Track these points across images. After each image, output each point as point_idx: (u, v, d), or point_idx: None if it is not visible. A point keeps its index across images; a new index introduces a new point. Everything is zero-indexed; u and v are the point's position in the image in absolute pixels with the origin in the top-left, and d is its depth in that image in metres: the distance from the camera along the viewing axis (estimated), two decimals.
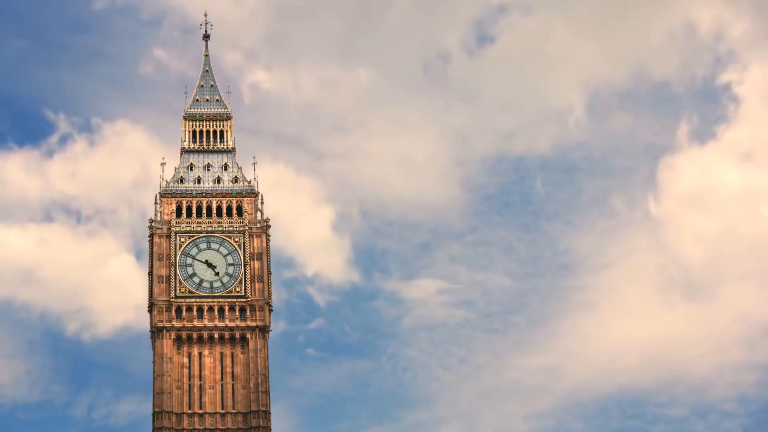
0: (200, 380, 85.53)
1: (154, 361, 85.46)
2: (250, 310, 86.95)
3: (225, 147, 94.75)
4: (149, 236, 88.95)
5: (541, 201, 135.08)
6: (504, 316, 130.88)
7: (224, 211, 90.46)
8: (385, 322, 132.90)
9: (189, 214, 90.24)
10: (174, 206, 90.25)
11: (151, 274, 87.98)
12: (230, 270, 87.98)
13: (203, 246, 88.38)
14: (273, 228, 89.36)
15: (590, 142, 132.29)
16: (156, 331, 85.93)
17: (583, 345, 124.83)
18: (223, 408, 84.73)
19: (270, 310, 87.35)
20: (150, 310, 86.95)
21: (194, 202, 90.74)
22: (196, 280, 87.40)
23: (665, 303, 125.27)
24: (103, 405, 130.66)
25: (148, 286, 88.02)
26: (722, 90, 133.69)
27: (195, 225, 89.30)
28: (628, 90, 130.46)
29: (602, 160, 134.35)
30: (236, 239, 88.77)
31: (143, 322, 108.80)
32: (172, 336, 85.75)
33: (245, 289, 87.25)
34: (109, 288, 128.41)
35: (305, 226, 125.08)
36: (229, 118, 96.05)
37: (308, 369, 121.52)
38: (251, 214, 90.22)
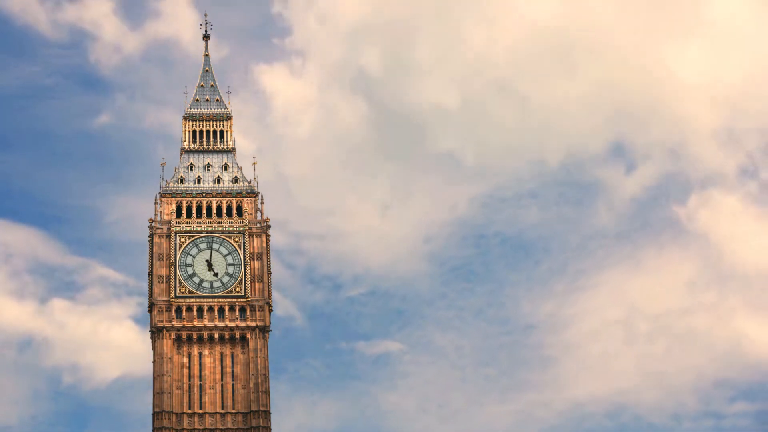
0: (200, 380, 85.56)
1: (154, 361, 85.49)
2: (250, 310, 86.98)
3: (225, 147, 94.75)
4: (149, 236, 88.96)
5: (503, 271, 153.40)
6: (476, 368, 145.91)
7: (224, 211, 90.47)
8: (368, 372, 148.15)
9: (189, 214, 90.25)
10: (174, 206, 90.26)
11: (151, 274, 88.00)
12: (230, 270, 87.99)
13: (203, 246, 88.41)
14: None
15: (543, 223, 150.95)
16: (156, 331, 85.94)
17: (548, 395, 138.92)
18: (223, 408, 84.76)
19: (270, 310, 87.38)
20: (150, 310, 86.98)
21: (194, 202, 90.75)
22: (196, 280, 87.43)
23: (621, 357, 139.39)
24: None
25: (148, 288, 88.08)
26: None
27: (195, 225, 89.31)
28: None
29: (555, 238, 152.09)
30: (236, 239, 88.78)
31: (142, 371, 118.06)
32: (172, 336, 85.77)
33: (245, 289, 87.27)
34: (109, 348, 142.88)
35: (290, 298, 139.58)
36: (229, 118, 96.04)
37: (295, 411, 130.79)
38: (251, 214, 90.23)
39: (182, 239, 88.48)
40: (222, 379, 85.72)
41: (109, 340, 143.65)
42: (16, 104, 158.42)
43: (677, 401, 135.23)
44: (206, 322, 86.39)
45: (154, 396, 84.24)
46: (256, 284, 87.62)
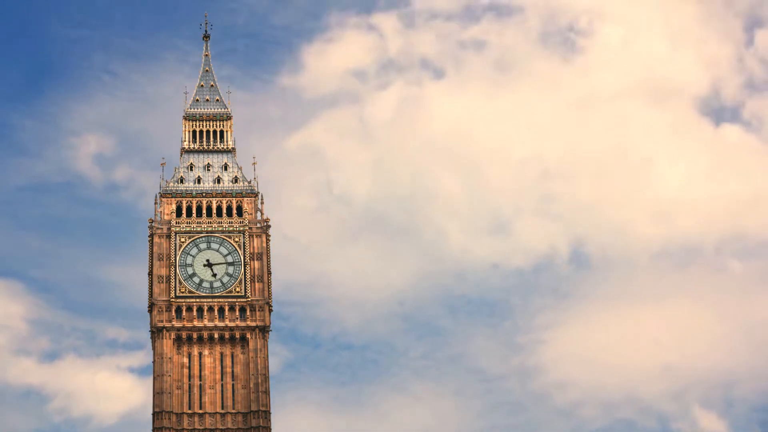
0: (200, 380, 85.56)
1: (154, 361, 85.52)
2: (250, 310, 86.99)
3: (225, 147, 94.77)
4: (149, 236, 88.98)
5: (473, 326, 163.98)
6: (456, 408, 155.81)
7: (224, 211, 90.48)
8: (353, 410, 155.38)
9: (189, 214, 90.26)
10: (174, 206, 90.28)
11: (151, 274, 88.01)
12: (230, 270, 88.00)
13: (203, 246, 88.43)
14: None
15: (505, 288, 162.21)
16: (156, 331, 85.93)
17: None
18: (223, 408, 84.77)
19: (270, 310, 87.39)
20: (150, 310, 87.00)
21: (194, 202, 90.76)
22: (196, 280, 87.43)
23: (587, 404, 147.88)
24: None
25: (148, 289, 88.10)
26: None
27: (195, 225, 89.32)
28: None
29: (517, 298, 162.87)
30: (236, 239, 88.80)
31: (141, 416, 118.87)
32: (172, 336, 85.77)
33: (245, 289, 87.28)
34: (109, 397, 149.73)
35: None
36: (229, 118, 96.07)
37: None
38: (251, 214, 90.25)
39: (182, 239, 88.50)
40: (222, 379, 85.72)
41: (109, 390, 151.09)
42: (29, 196, 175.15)
43: None
44: (206, 322, 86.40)
45: (154, 396, 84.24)
46: (256, 284, 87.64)
